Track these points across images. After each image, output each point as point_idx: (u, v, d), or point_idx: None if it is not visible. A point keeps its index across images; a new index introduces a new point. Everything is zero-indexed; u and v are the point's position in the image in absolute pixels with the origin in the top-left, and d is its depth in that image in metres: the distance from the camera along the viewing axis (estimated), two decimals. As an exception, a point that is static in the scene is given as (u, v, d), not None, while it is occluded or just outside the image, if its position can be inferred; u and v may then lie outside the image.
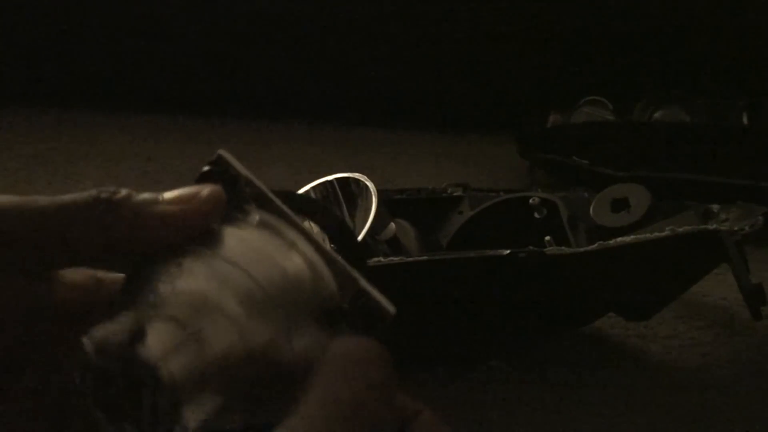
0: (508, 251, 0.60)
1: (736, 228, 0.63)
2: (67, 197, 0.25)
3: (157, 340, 0.21)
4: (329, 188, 0.73)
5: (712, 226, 0.64)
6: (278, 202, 0.26)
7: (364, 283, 0.25)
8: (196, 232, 0.25)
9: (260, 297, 0.23)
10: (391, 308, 0.26)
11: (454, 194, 0.82)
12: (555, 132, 1.30)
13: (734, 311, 0.78)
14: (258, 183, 0.26)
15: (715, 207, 0.69)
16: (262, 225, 0.25)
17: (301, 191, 0.74)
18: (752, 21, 1.53)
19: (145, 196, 0.26)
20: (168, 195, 0.26)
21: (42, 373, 0.26)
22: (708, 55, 1.53)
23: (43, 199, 0.25)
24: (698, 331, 0.75)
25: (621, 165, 1.05)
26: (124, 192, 0.26)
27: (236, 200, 0.26)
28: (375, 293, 0.26)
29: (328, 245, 0.26)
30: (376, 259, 0.61)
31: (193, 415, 0.21)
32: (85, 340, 0.22)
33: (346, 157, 1.41)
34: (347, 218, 0.72)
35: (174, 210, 0.26)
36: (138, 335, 0.21)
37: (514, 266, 0.61)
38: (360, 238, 0.64)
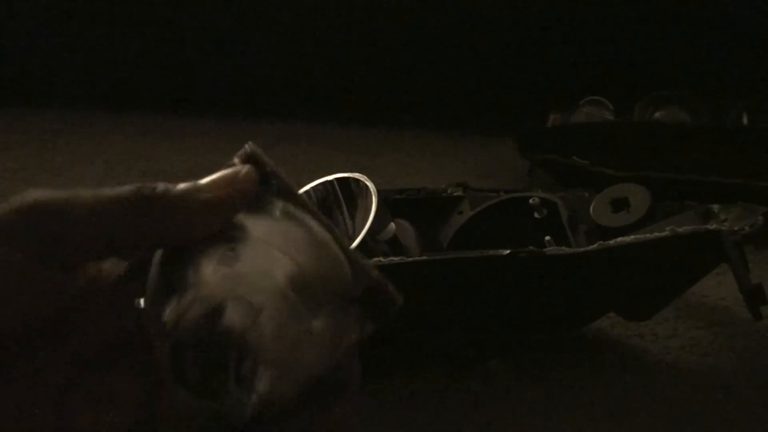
0: (508, 251, 0.60)
1: (736, 228, 0.63)
2: (110, 192, 0.26)
3: (236, 314, 0.24)
4: (329, 188, 0.73)
5: (712, 227, 0.64)
6: (302, 196, 0.27)
7: (377, 274, 0.27)
8: (234, 215, 0.26)
9: (301, 280, 0.25)
10: (399, 299, 0.28)
11: (454, 194, 0.82)
12: (555, 132, 1.31)
13: (734, 311, 0.78)
14: (284, 177, 0.27)
15: (715, 207, 0.69)
16: (289, 216, 0.27)
17: (301, 191, 0.74)
18: (752, 22, 1.53)
19: (183, 186, 0.26)
20: (205, 182, 0.27)
21: (52, 354, 0.27)
22: (708, 55, 1.53)
23: (86, 194, 0.26)
24: (698, 330, 0.75)
25: (621, 165, 1.05)
26: (162, 186, 0.26)
27: (264, 192, 0.27)
28: (386, 284, 0.27)
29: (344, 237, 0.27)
30: (376, 258, 0.61)
31: (267, 380, 0.24)
32: (165, 318, 0.24)
33: (347, 157, 1.41)
34: (347, 218, 0.72)
35: (214, 196, 0.26)
36: (217, 311, 0.24)
37: (514, 266, 0.61)
38: (360, 238, 0.64)
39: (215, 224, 0.26)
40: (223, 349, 0.24)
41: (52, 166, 1.27)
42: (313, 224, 0.27)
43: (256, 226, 0.26)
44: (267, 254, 0.26)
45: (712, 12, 1.53)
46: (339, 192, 0.72)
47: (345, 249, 0.27)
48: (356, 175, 0.72)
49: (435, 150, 1.51)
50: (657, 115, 1.33)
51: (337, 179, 0.73)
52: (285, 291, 0.25)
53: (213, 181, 0.27)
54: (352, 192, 0.72)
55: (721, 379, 0.67)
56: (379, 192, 0.68)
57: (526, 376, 0.66)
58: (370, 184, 0.69)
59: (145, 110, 1.61)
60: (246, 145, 0.28)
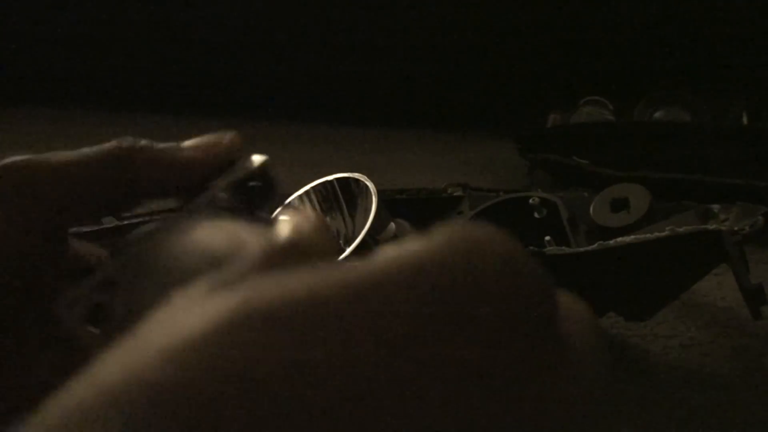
0: (508, 251, 0.60)
1: (736, 228, 0.62)
2: (89, 150, 0.26)
3: None
4: (329, 188, 0.73)
5: (712, 227, 0.64)
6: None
7: None
8: (212, 177, 0.27)
9: None
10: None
11: (454, 194, 0.82)
12: (555, 132, 1.30)
13: (734, 311, 0.78)
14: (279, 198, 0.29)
15: (715, 207, 0.69)
16: None
17: (300, 191, 0.74)
18: (752, 21, 1.53)
19: (165, 144, 0.27)
20: (188, 143, 0.27)
21: (40, 325, 0.27)
22: (708, 55, 1.53)
23: (64, 154, 0.25)
24: (698, 331, 0.75)
25: (621, 165, 1.05)
26: (144, 141, 0.26)
27: (272, 200, 0.28)
28: None
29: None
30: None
31: None
32: None
33: (346, 157, 1.41)
34: (347, 218, 0.71)
35: (196, 155, 0.27)
36: None
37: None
38: (360, 238, 0.64)
39: (193, 181, 0.26)
40: None
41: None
42: None
43: None
44: None
45: (713, 12, 1.52)
46: (339, 192, 0.72)
47: None
48: (356, 175, 0.72)
49: (435, 150, 1.51)
50: (657, 115, 1.33)
51: (336, 179, 0.73)
52: None
53: (197, 143, 0.27)
54: (351, 192, 0.72)
55: (722, 379, 0.67)
56: (379, 192, 0.68)
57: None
58: (370, 184, 0.69)
59: (145, 110, 1.61)
60: (264, 159, 0.28)
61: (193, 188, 0.27)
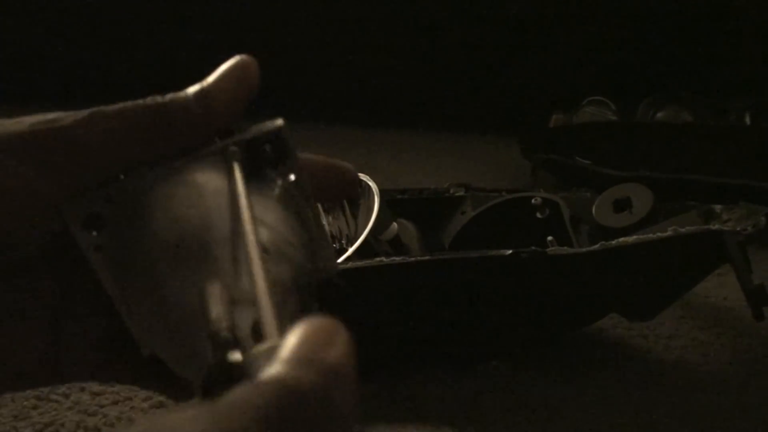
0: (510, 251, 0.60)
1: (738, 228, 0.62)
2: (119, 107, 0.26)
3: None
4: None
5: (714, 227, 0.64)
6: (308, 184, 0.29)
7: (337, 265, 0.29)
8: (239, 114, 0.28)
9: (285, 250, 0.27)
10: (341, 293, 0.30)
11: (457, 194, 0.82)
12: (557, 132, 1.30)
13: (736, 312, 0.78)
14: (300, 163, 0.29)
15: (718, 207, 0.69)
16: (289, 195, 0.28)
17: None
18: (755, 21, 1.53)
19: (192, 91, 0.27)
20: (212, 81, 0.28)
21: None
22: (711, 56, 1.53)
23: (102, 110, 0.26)
24: (700, 331, 0.75)
25: (623, 165, 1.05)
26: (169, 96, 0.27)
27: (283, 164, 0.28)
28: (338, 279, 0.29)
29: (327, 226, 0.29)
30: (378, 258, 0.61)
31: None
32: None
33: (349, 157, 1.39)
34: (350, 218, 0.72)
35: (221, 102, 0.28)
36: None
37: (516, 266, 0.61)
38: (362, 237, 0.64)
39: (223, 125, 0.27)
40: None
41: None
42: (306, 211, 0.28)
43: (258, 201, 0.27)
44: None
45: (715, 12, 1.52)
46: (341, 192, 0.72)
47: (323, 235, 0.28)
48: (359, 175, 0.72)
49: (437, 150, 1.51)
50: (659, 115, 1.33)
51: (339, 179, 0.73)
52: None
53: (218, 80, 0.28)
54: (354, 192, 0.72)
55: (723, 379, 0.67)
56: (381, 192, 0.68)
57: (527, 377, 0.66)
58: (372, 183, 0.69)
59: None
60: (280, 122, 0.28)
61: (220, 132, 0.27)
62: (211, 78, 0.28)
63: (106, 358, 0.28)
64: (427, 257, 0.62)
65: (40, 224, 0.26)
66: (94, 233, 0.26)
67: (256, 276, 0.23)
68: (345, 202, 0.72)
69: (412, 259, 0.61)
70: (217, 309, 0.22)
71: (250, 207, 0.25)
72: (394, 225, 0.71)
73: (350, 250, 0.64)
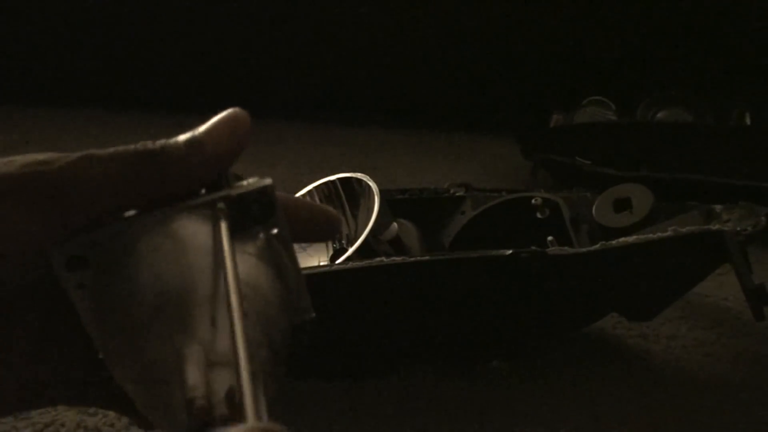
0: (511, 251, 0.60)
1: (738, 229, 0.62)
2: (112, 151, 0.26)
3: None
4: (332, 188, 0.73)
5: (714, 227, 0.63)
6: (289, 234, 0.29)
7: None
8: (231, 164, 0.28)
9: (263, 309, 0.26)
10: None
11: (457, 194, 0.82)
12: (558, 132, 1.31)
13: (736, 312, 0.78)
14: (286, 224, 0.29)
15: (718, 207, 0.69)
16: (271, 247, 0.28)
17: (303, 191, 0.74)
18: (755, 22, 1.53)
19: (183, 139, 0.27)
20: (203, 131, 0.28)
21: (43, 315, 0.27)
22: (711, 56, 1.53)
23: (94, 153, 0.26)
24: (700, 331, 0.75)
25: (624, 165, 1.05)
26: (160, 142, 0.27)
27: (267, 221, 0.28)
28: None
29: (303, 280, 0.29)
30: (378, 259, 0.61)
31: None
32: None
33: (349, 157, 1.41)
34: (350, 218, 0.72)
35: (213, 151, 0.27)
36: None
37: (516, 266, 0.61)
38: (362, 238, 0.64)
39: (213, 175, 0.27)
40: None
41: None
42: (286, 262, 0.28)
43: (240, 257, 0.27)
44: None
45: (716, 13, 1.52)
46: (341, 192, 0.73)
47: (301, 286, 0.29)
48: (359, 175, 0.72)
49: (437, 150, 1.51)
50: (659, 115, 1.33)
51: (339, 179, 0.73)
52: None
53: (210, 131, 0.28)
54: (354, 192, 0.72)
55: (724, 379, 0.67)
56: (381, 192, 0.68)
57: (528, 377, 0.66)
58: (372, 184, 0.69)
59: (145, 110, 1.61)
60: (267, 182, 0.28)
61: (212, 184, 0.27)
62: (203, 128, 0.28)
63: (87, 382, 0.28)
64: (427, 257, 0.61)
65: (25, 264, 0.26)
66: (78, 273, 0.26)
67: (238, 343, 0.22)
68: (345, 202, 0.72)
69: (412, 259, 0.60)
70: (194, 374, 0.22)
71: (235, 269, 0.25)
72: (394, 225, 0.71)
73: (350, 250, 0.64)
